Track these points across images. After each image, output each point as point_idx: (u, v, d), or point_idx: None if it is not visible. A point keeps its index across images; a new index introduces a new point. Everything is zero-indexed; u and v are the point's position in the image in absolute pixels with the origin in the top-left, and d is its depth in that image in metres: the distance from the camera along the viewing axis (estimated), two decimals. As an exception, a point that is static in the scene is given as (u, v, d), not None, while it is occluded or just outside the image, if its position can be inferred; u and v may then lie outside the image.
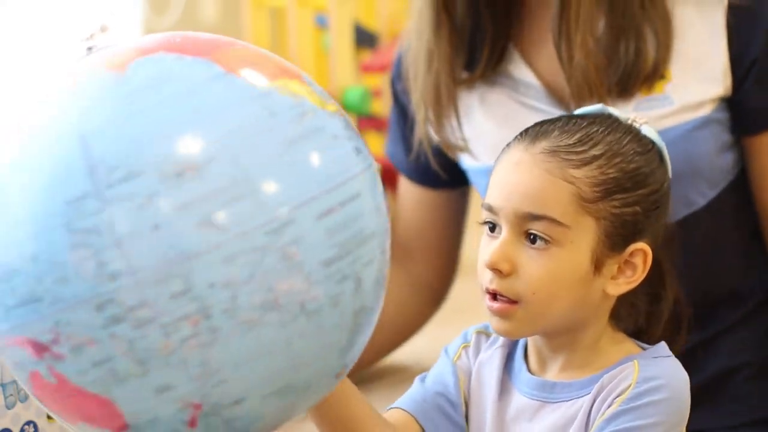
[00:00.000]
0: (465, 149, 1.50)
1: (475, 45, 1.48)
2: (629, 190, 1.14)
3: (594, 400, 1.12)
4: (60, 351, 0.95)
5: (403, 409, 1.20)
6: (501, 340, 1.20)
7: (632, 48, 1.39)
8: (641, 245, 1.14)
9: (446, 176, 1.59)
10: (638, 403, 1.09)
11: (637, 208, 1.14)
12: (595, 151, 1.13)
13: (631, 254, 1.14)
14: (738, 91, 1.42)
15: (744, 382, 1.46)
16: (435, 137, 1.52)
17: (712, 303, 1.46)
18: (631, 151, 1.15)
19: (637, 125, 1.18)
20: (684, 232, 1.40)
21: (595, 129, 1.15)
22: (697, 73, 1.41)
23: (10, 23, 3.15)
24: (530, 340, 1.19)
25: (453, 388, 1.21)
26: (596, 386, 1.12)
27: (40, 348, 0.96)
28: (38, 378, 0.98)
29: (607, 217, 1.12)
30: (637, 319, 1.21)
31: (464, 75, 1.48)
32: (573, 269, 1.12)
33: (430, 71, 1.47)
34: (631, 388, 1.10)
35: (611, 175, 1.13)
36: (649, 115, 1.38)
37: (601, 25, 1.40)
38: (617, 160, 1.14)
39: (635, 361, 1.12)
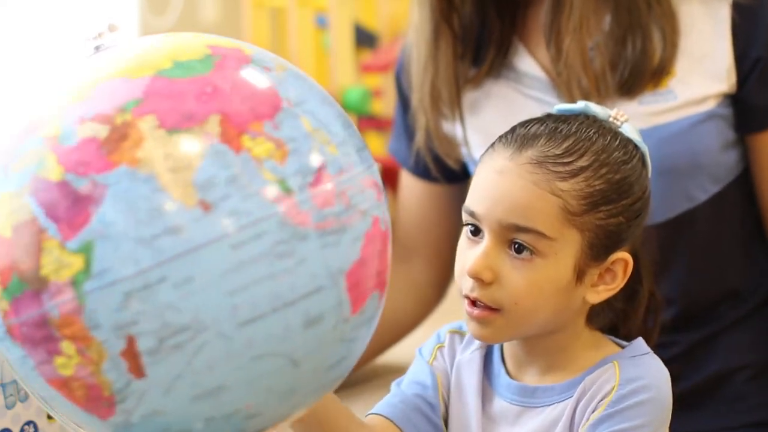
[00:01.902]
0: (467, 149, 1.51)
1: (482, 42, 1.49)
2: (614, 201, 1.13)
3: (577, 404, 1.12)
4: None
5: (381, 415, 1.19)
6: (477, 341, 1.20)
7: (639, 47, 1.39)
8: (622, 254, 1.14)
9: (445, 180, 1.60)
10: (623, 405, 1.10)
11: (621, 219, 1.14)
12: (582, 162, 1.13)
13: (613, 263, 1.14)
14: (742, 88, 1.42)
15: (743, 383, 1.45)
16: (434, 147, 1.53)
17: (712, 301, 1.46)
18: (618, 160, 1.14)
19: (618, 123, 1.18)
20: (684, 227, 1.40)
21: (583, 137, 1.14)
22: (701, 69, 1.41)
23: (10, 23, 3.16)
24: (506, 344, 1.19)
25: (431, 389, 1.20)
26: (578, 389, 1.12)
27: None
28: (375, 227, 0.99)
29: (592, 229, 1.12)
30: (614, 315, 1.21)
31: (471, 72, 1.49)
32: (556, 280, 1.12)
33: (427, 82, 1.48)
34: (614, 390, 1.10)
35: (597, 187, 1.12)
36: (652, 109, 1.39)
37: (606, 24, 1.40)
38: (604, 170, 1.13)
39: (615, 362, 1.13)
